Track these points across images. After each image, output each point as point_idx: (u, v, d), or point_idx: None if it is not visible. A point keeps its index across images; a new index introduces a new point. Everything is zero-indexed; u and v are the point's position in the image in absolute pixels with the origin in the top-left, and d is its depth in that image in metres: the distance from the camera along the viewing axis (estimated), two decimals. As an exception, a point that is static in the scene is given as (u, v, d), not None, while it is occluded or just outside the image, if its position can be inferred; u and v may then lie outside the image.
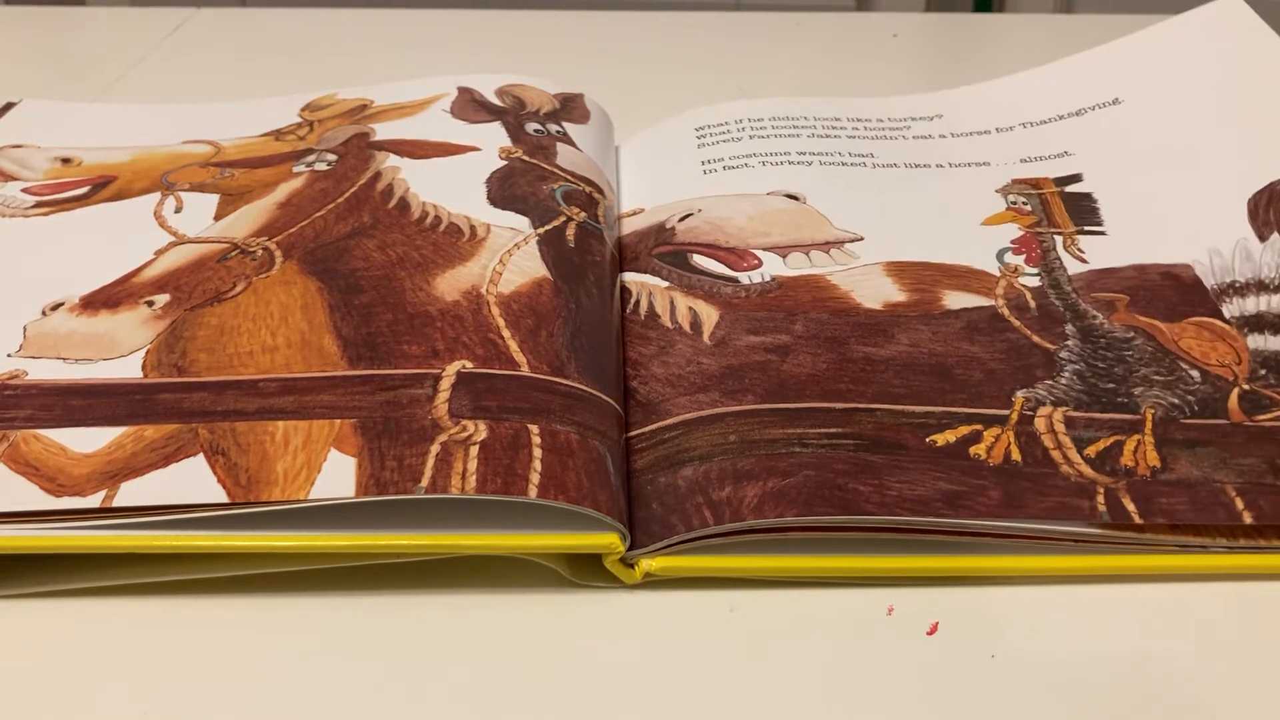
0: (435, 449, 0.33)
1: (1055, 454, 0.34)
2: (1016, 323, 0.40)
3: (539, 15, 0.75)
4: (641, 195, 0.49)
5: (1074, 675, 0.30)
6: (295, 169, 0.48)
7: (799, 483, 0.33)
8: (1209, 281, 0.41)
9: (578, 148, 0.50)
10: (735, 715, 0.29)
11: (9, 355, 0.38)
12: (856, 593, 0.32)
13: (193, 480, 0.32)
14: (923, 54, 0.72)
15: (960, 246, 0.44)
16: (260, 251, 0.43)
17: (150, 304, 0.40)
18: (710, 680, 0.30)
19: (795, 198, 0.47)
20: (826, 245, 0.44)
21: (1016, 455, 0.34)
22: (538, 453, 0.33)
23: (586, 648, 0.31)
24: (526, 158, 0.48)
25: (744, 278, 0.42)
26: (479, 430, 0.33)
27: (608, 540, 0.32)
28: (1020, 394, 0.36)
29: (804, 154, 0.50)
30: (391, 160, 0.48)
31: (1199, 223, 0.44)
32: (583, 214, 0.44)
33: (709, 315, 0.40)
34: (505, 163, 0.48)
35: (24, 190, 0.48)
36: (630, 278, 0.43)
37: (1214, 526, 0.33)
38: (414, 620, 0.32)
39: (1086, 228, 0.45)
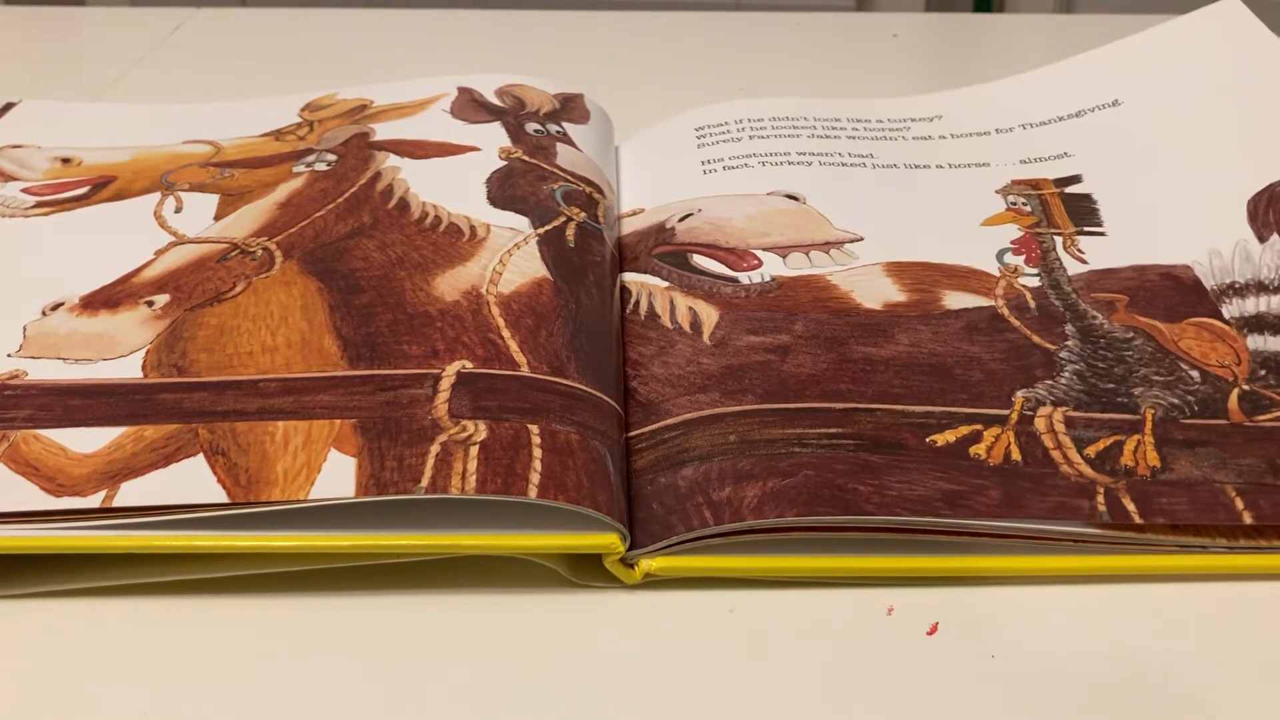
0: (435, 449, 0.33)
1: (1055, 454, 0.34)
2: (1016, 323, 0.40)
3: (539, 15, 0.75)
4: (641, 195, 0.49)
5: (1074, 675, 0.30)
6: (295, 169, 0.48)
7: (799, 483, 0.33)
8: (1209, 282, 0.41)
9: (578, 148, 0.50)
10: (735, 715, 0.29)
11: (9, 355, 0.38)
12: (856, 593, 0.32)
13: (193, 480, 0.32)
14: (923, 54, 0.72)
15: (960, 247, 0.44)
16: (260, 251, 0.43)
17: (150, 304, 0.40)
18: (710, 680, 0.30)
19: (795, 198, 0.47)
20: (826, 245, 0.44)
21: (1016, 455, 0.34)
22: (538, 453, 0.33)
23: (586, 648, 0.31)
24: (526, 158, 0.48)
25: (744, 278, 0.42)
26: (479, 430, 0.33)
27: (608, 540, 0.32)
28: (1020, 394, 0.36)
29: (804, 154, 0.50)
30: (391, 160, 0.48)
31: (1199, 224, 0.44)
32: (583, 214, 0.44)
33: (709, 315, 0.40)
34: (505, 163, 0.48)
35: (24, 190, 0.48)
36: (630, 278, 0.43)
37: (1214, 526, 0.33)
38: (414, 620, 0.32)
39: (1086, 228, 0.45)
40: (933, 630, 0.31)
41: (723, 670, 0.30)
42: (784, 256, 0.43)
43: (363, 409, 0.34)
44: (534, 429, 0.33)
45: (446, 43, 0.71)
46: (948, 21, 0.87)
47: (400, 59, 0.67)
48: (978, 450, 0.34)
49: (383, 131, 0.51)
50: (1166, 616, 0.32)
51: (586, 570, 0.32)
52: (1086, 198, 0.47)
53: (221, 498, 0.32)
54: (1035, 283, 0.42)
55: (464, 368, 0.36)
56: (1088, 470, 0.34)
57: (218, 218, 0.45)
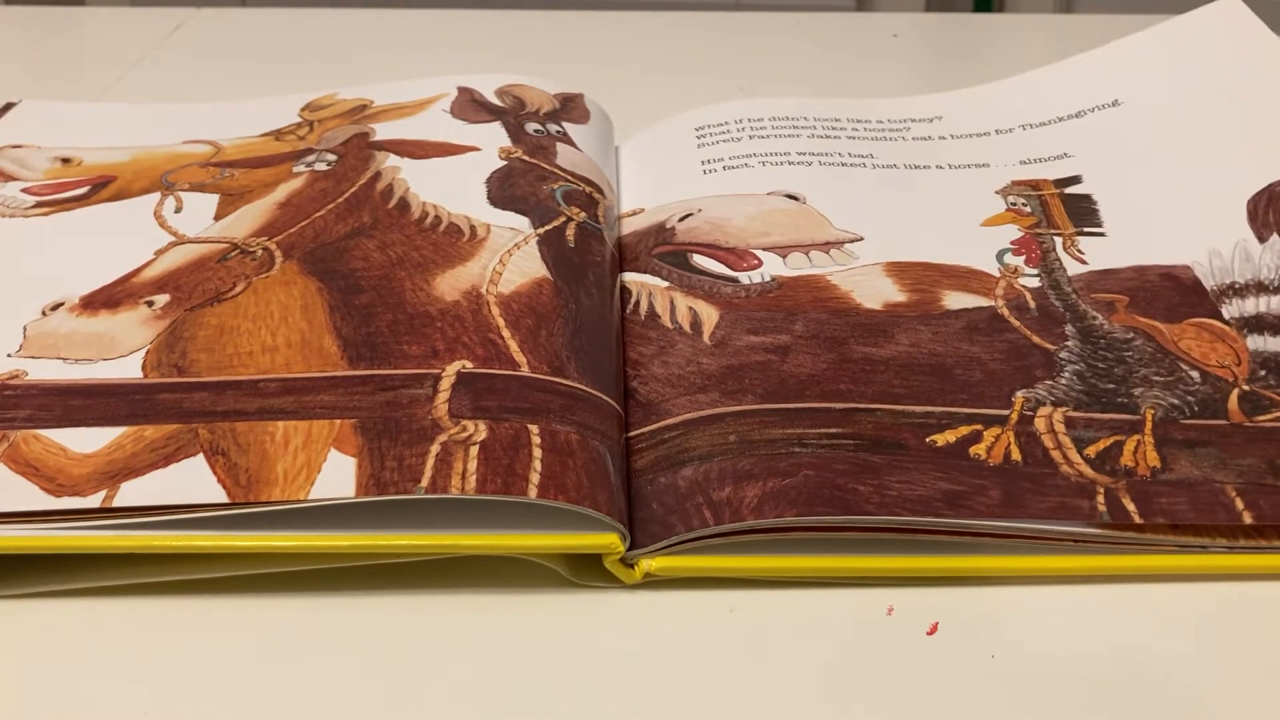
0: (435, 449, 0.33)
1: (1055, 454, 0.34)
2: (1016, 323, 0.40)
3: (539, 15, 0.75)
4: (641, 195, 0.49)
5: (1074, 675, 0.30)
6: (295, 169, 0.48)
7: (799, 483, 0.33)
8: (1209, 283, 0.41)
9: (578, 148, 0.50)
10: (735, 715, 0.29)
11: (9, 355, 0.38)
12: (856, 593, 0.32)
13: (193, 480, 0.32)
14: (923, 54, 0.72)
15: (960, 247, 0.44)
16: (260, 251, 0.43)
17: (150, 304, 0.40)
18: (710, 680, 0.30)
19: (795, 198, 0.47)
20: (826, 245, 0.44)
21: (1016, 455, 0.34)
22: (538, 453, 0.33)
23: (586, 648, 0.31)
24: (526, 158, 0.48)
25: (744, 278, 0.42)
26: (479, 430, 0.33)
27: (608, 540, 0.32)
28: (1020, 394, 0.36)
29: (804, 154, 0.50)
30: (391, 160, 0.48)
31: (1199, 224, 0.44)
32: (583, 214, 0.44)
33: (709, 315, 0.40)
34: (505, 163, 0.48)
35: (24, 190, 0.48)
36: (630, 278, 0.43)
37: (1214, 526, 0.33)
38: (414, 620, 0.32)
39: (1086, 229, 0.45)
40: (933, 630, 0.31)
41: (723, 670, 0.30)
42: (784, 256, 0.43)
43: (363, 409, 0.34)
44: (534, 429, 0.33)
45: (446, 43, 0.71)
46: (948, 21, 0.87)
47: (400, 59, 0.67)
48: (978, 450, 0.34)
49: (383, 131, 0.51)
50: (1166, 616, 0.32)
51: (586, 570, 0.32)
52: (1086, 198, 0.47)
53: (221, 498, 0.32)
54: (1035, 283, 0.42)
55: (464, 368, 0.36)
56: (1088, 470, 0.34)
57: (218, 218, 0.45)
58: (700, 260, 0.43)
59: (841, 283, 0.42)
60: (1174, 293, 0.41)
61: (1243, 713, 0.29)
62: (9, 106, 0.55)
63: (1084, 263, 0.43)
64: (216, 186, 0.48)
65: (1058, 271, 0.42)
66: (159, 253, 0.43)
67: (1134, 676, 0.30)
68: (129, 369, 0.37)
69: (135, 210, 0.46)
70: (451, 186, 0.46)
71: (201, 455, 0.33)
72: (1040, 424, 0.35)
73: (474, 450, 0.32)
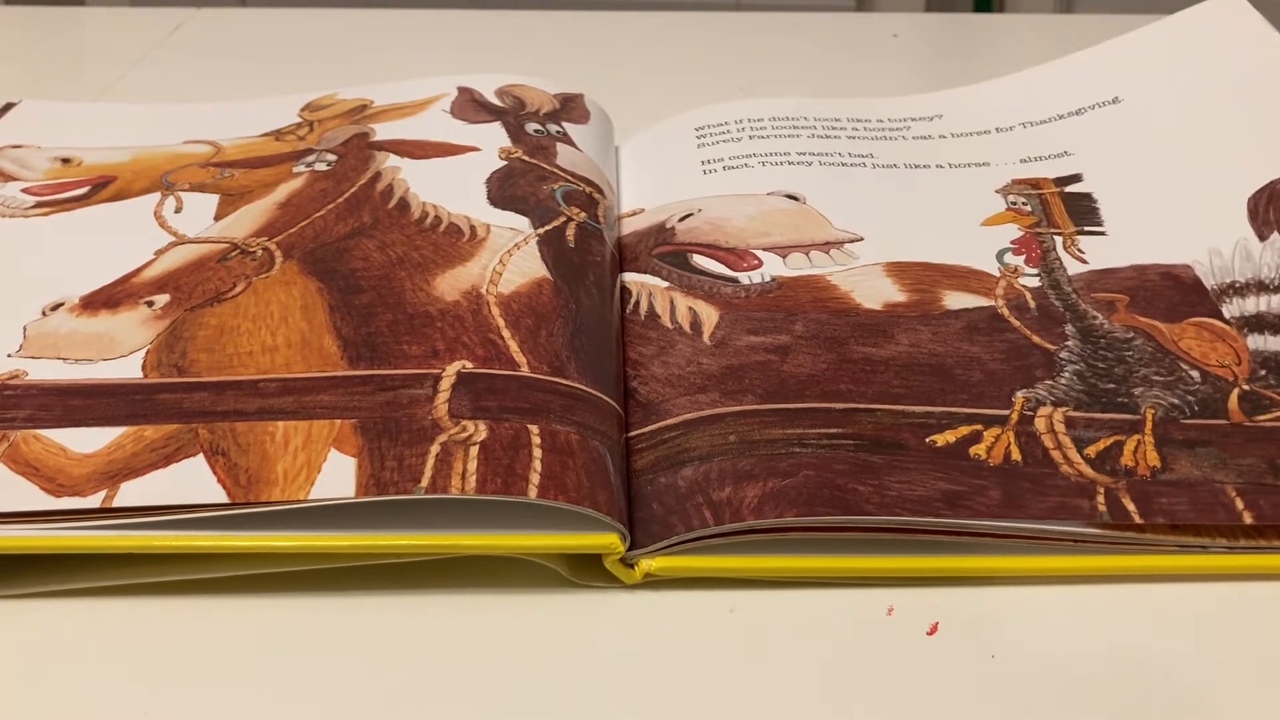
0: (435, 449, 0.33)
1: (1055, 454, 0.34)
2: (1016, 323, 0.40)
3: (539, 15, 0.75)
4: (641, 195, 0.49)
5: (1074, 675, 0.30)
6: (295, 169, 0.48)
7: (799, 483, 0.33)
8: (1209, 282, 0.41)
9: (578, 148, 0.50)
10: (735, 715, 0.29)
11: (9, 355, 0.38)
12: (856, 593, 0.32)
13: (193, 480, 0.32)
14: (923, 54, 0.72)
15: (960, 247, 0.44)
16: (260, 251, 0.43)
17: (150, 304, 0.40)
18: (710, 680, 0.30)
19: (795, 198, 0.47)
20: (826, 245, 0.44)
21: (1016, 455, 0.34)
22: (538, 453, 0.33)
23: (586, 648, 0.31)
24: (526, 158, 0.48)
25: (744, 278, 0.42)
26: (479, 430, 0.33)
27: (608, 540, 0.32)
28: (1020, 394, 0.36)
29: (804, 154, 0.50)
30: (391, 160, 0.48)
31: (1199, 222, 0.44)
32: (583, 214, 0.44)
33: (709, 315, 0.40)
34: (505, 163, 0.48)
35: (24, 190, 0.48)
36: (630, 278, 0.43)
37: (1214, 526, 0.33)
38: (414, 620, 0.32)
39: (1086, 228, 0.45)
40: (933, 630, 0.31)
41: (723, 670, 0.30)
42: (784, 256, 0.43)
43: (363, 409, 0.34)
44: (534, 429, 0.33)
45: (446, 43, 0.71)
46: (948, 21, 0.87)
47: (400, 59, 0.67)
48: (978, 450, 0.34)
49: (383, 131, 0.51)
50: (1166, 616, 0.32)
51: (586, 570, 0.32)
52: (1087, 197, 0.47)
53: (221, 498, 0.32)
54: (1035, 283, 0.42)
55: (464, 368, 0.36)
56: (1088, 470, 0.34)
57: (218, 218, 0.45)
58: (700, 260, 0.43)
59: (841, 283, 0.42)
60: (1174, 292, 0.41)
61: (1243, 713, 0.29)
62: (9, 106, 0.55)
63: (1084, 262, 0.43)
64: (216, 186, 0.48)
65: (1058, 271, 0.42)
66: (159, 253, 0.43)
67: (1134, 676, 0.30)
68: (129, 369, 0.37)
69: (135, 210, 0.46)
70: (451, 186, 0.46)
71: (201, 455, 0.33)
72: (1040, 424, 0.35)
73: (474, 450, 0.32)
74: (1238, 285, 0.41)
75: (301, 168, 0.48)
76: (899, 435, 0.35)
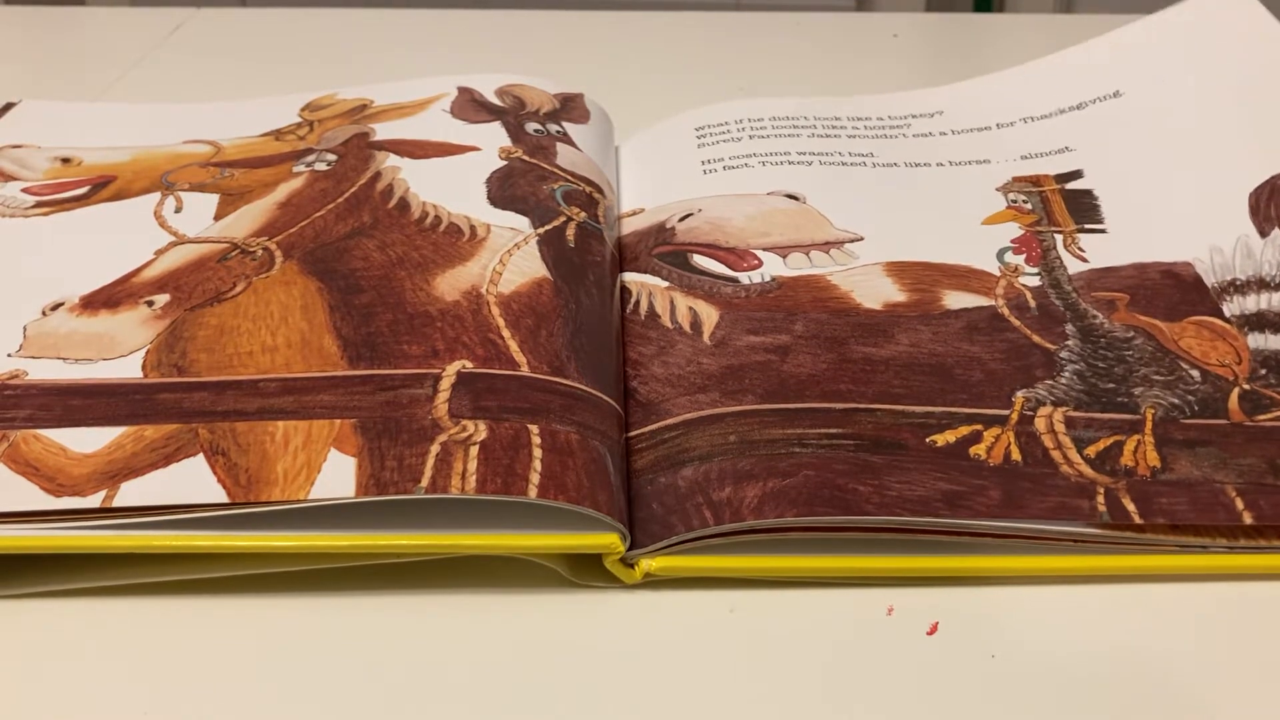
0: (435, 449, 0.33)
1: (1055, 454, 0.34)
2: (1016, 322, 0.40)
3: (539, 15, 0.75)
4: (641, 195, 0.49)
5: (1074, 675, 0.30)
6: (295, 169, 0.48)
7: (799, 483, 0.33)
8: (1209, 280, 0.41)
9: (578, 148, 0.50)
10: (735, 715, 0.29)
11: (9, 355, 0.38)
12: (856, 593, 0.32)
13: (193, 480, 0.32)
14: (923, 54, 0.72)
15: (960, 246, 0.44)
16: (260, 251, 0.43)
17: (150, 304, 0.40)
18: (710, 680, 0.30)
19: (795, 198, 0.47)
20: (826, 245, 0.44)
21: (1016, 455, 0.34)
22: (538, 453, 0.33)
23: (586, 648, 0.31)
24: (526, 158, 0.48)
25: (744, 278, 0.42)
26: (479, 430, 0.33)
27: (608, 540, 0.32)
28: (1020, 394, 0.36)
29: (804, 154, 0.50)
30: (391, 160, 0.48)
31: (1200, 219, 0.44)
32: (583, 214, 0.44)
33: (709, 315, 0.40)
34: (505, 163, 0.48)
35: (24, 190, 0.48)
36: (630, 278, 0.43)
37: (1214, 526, 0.33)
38: (414, 620, 0.32)
39: (1087, 225, 0.45)
40: (933, 630, 0.31)
41: (723, 670, 0.30)
42: (784, 256, 0.43)
43: (363, 409, 0.34)
44: (534, 429, 0.33)
45: (446, 43, 0.71)
46: (948, 21, 0.87)
47: (400, 59, 0.67)
48: (978, 450, 0.34)
49: (383, 131, 0.51)
50: (1166, 616, 0.32)
51: (586, 570, 0.32)
52: (1088, 194, 0.47)
53: (221, 498, 0.32)
54: (1036, 282, 0.42)
55: (464, 368, 0.36)
56: (1088, 470, 0.34)
57: (218, 218, 0.45)
58: (700, 260, 0.43)
59: (841, 283, 0.42)
60: (1175, 290, 0.41)
61: (1243, 713, 0.29)
62: (9, 106, 0.55)
63: (1085, 260, 0.43)
64: (216, 186, 0.48)
65: (1058, 270, 0.42)
66: (159, 253, 0.43)
67: (1134, 676, 0.30)
68: (129, 369, 0.37)
69: (135, 210, 0.46)
70: (451, 186, 0.46)
71: (201, 455, 0.33)
72: (1040, 424, 0.35)
73: (474, 450, 0.32)
74: (1238, 283, 0.41)
75: (301, 168, 0.48)
76: (899, 435, 0.35)
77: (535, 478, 0.32)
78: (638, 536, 0.32)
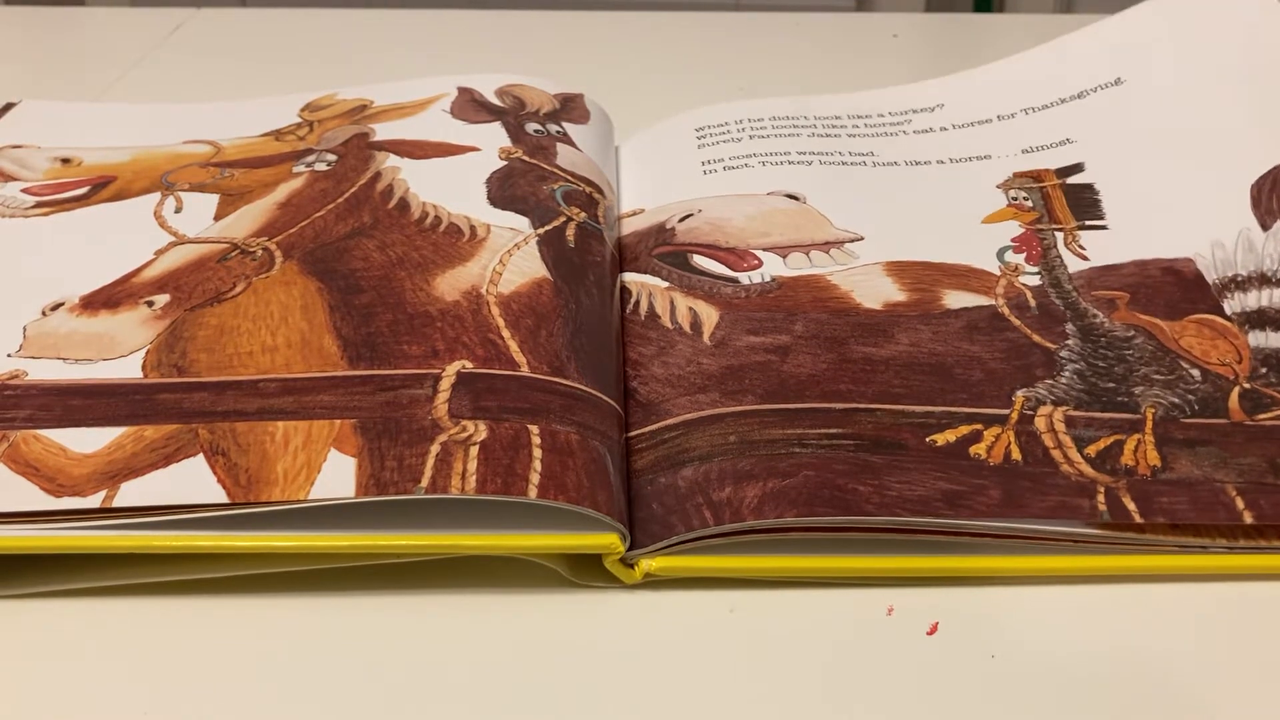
0: (435, 449, 0.33)
1: (1055, 453, 0.34)
2: (1017, 322, 0.40)
3: (539, 15, 0.75)
4: (641, 195, 0.49)
5: (1074, 675, 0.30)
6: (295, 169, 0.48)
7: (799, 483, 0.33)
8: (1211, 276, 0.41)
9: (578, 148, 0.50)
10: (735, 715, 0.29)
11: (9, 355, 0.38)
12: (856, 593, 0.32)
13: (193, 480, 0.32)
14: (923, 54, 0.72)
15: (961, 245, 0.44)
16: (260, 251, 0.43)
17: (150, 304, 0.40)
18: (710, 680, 0.30)
19: (795, 198, 0.47)
20: (827, 245, 0.44)
21: (1017, 455, 0.34)
22: (538, 453, 0.33)
23: (586, 648, 0.31)
24: (526, 158, 0.48)
25: (744, 278, 0.42)
26: (479, 430, 0.33)
27: (608, 540, 0.32)
28: (1020, 393, 0.36)
29: (804, 154, 0.50)
30: (391, 160, 0.48)
31: (1202, 212, 0.43)
32: (583, 214, 0.44)
33: (709, 315, 0.40)
34: (505, 163, 0.48)
35: (24, 190, 0.48)
36: (630, 278, 0.43)
37: (1214, 526, 0.33)
38: (414, 620, 0.32)
39: (1088, 222, 0.45)
40: (933, 630, 0.31)
41: (723, 670, 0.30)
42: (784, 256, 0.43)
43: (363, 409, 0.34)
44: (534, 429, 0.33)
45: (446, 43, 0.71)
46: (948, 21, 0.87)
47: (400, 59, 0.67)
48: (978, 450, 0.34)
49: (383, 131, 0.51)
50: (1166, 616, 0.32)
51: (586, 570, 0.32)
52: (1088, 188, 0.47)
53: (221, 498, 0.32)
54: (1036, 281, 0.42)
55: (464, 368, 0.36)
56: (1088, 470, 0.34)
57: (218, 218, 0.45)
58: (700, 260, 0.43)
59: (842, 283, 0.42)
60: (1175, 288, 0.41)
61: (1243, 713, 0.29)
62: (9, 106, 0.55)
63: (1085, 259, 0.43)
64: (216, 186, 0.48)
65: (1058, 269, 0.42)
66: (159, 253, 0.43)
67: (1134, 676, 0.30)
68: (129, 369, 0.37)
69: (135, 210, 0.46)
70: (451, 186, 0.46)
71: (201, 455, 0.33)
72: (1040, 423, 0.35)
73: (474, 450, 0.32)
74: (1239, 279, 0.41)
75: (301, 168, 0.48)
76: (899, 435, 0.35)
77: (535, 478, 0.32)
78: (638, 537, 0.32)
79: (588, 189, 0.46)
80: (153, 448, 0.33)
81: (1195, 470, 0.34)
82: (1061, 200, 0.46)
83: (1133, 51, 0.52)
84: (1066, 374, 0.37)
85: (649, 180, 0.50)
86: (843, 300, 0.41)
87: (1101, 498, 0.33)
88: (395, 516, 0.32)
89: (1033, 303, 0.41)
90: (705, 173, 0.49)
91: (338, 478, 0.32)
